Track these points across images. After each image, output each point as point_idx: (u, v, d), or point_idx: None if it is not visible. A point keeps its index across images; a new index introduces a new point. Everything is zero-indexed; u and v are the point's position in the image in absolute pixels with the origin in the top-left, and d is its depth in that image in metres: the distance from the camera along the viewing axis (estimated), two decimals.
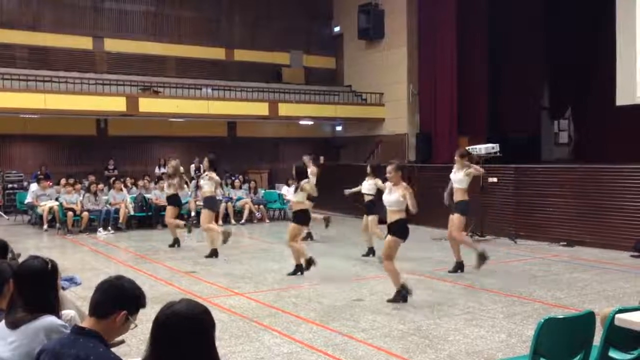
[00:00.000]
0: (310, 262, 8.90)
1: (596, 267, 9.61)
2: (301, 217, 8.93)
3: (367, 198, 10.59)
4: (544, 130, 22.22)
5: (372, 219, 10.47)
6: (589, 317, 3.82)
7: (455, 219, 8.98)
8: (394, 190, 7.19)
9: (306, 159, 12.35)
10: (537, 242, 12.03)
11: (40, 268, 3.10)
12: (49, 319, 2.98)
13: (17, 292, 3.08)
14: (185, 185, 15.81)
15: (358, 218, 16.18)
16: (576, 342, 3.76)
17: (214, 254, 10.56)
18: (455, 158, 9.15)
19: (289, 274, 8.89)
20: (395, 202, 7.13)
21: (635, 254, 10.40)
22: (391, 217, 7.21)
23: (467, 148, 13.23)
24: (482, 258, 8.85)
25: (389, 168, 7.25)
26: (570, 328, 3.77)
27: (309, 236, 12.23)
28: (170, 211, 12.03)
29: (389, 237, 7.22)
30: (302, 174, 9.01)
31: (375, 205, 10.16)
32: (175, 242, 11.86)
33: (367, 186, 10.59)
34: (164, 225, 14.53)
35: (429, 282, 8.49)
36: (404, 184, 7.24)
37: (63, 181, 15.81)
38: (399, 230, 7.15)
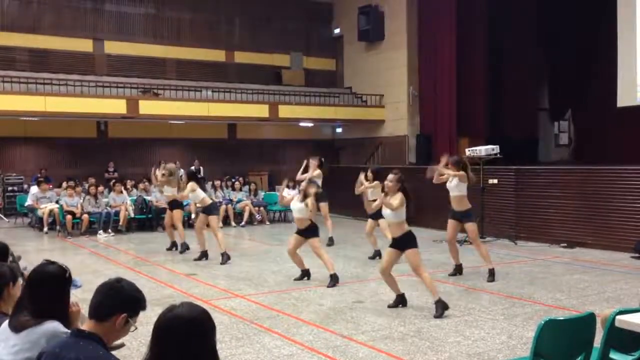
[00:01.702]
0: (305, 274, 8.88)
1: (597, 268, 9.61)
2: (314, 230, 8.71)
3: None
4: (544, 132, 22.23)
5: (383, 221, 10.29)
6: (590, 318, 3.82)
7: (471, 228, 8.80)
8: (392, 199, 6.88)
9: (313, 162, 12.26)
10: (537, 244, 12.02)
11: (57, 274, 3.08)
12: (52, 325, 2.95)
13: (28, 295, 3.06)
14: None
15: (357, 219, 16.19)
16: (577, 344, 3.76)
17: (203, 255, 10.66)
18: (449, 166, 9.01)
19: (328, 286, 8.36)
20: (395, 214, 6.89)
21: (636, 255, 10.40)
22: (395, 232, 6.97)
23: (467, 150, 13.26)
24: (493, 275, 8.69)
25: (391, 176, 6.97)
26: (570, 330, 3.77)
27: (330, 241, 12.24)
28: (177, 214, 11.77)
29: (411, 250, 6.87)
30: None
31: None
32: (173, 245, 11.78)
33: (373, 192, 10.08)
34: (164, 228, 14.54)
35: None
36: (399, 193, 6.91)
37: (64, 184, 15.81)
38: (411, 241, 6.93)
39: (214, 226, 10.54)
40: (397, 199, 6.85)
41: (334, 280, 8.44)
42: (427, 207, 12.74)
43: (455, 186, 8.88)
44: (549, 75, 21.92)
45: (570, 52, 19.85)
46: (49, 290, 3.02)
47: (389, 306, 7.14)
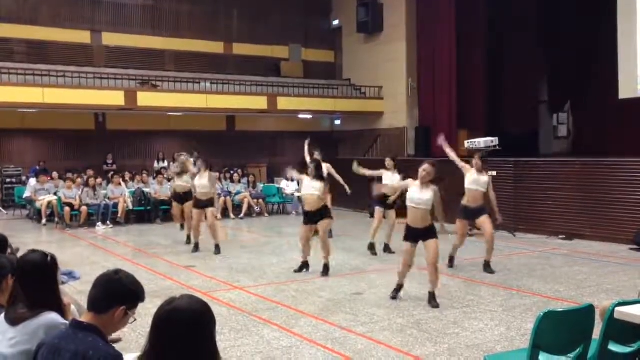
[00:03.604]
0: (305, 266, 8.85)
1: (595, 260, 9.62)
2: (329, 211, 8.71)
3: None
4: (543, 124, 22.19)
5: (392, 212, 10.21)
6: (589, 310, 3.82)
7: (489, 222, 8.70)
8: (424, 190, 6.85)
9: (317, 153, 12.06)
10: (536, 236, 12.04)
11: (40, 261, 3.09)
12: (50, 317, 2.95)
13: (18, 286, 3.07)
14: None
15: (358, 212, 16.19)
16: (575, 336, 3.76)
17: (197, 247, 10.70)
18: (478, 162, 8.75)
19: (323, 275, 8.53)
20: (427, 202, 6.85)
21: (635, 247, 10.42)
22: (424, 222, 6.89)
23: (466, 142, 13.25)
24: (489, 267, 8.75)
25: (428, 167, 6.84)
26: (569, 321, 3.77)
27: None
28: (189, 207, 11.46)
29: (435, 241, 6.88)
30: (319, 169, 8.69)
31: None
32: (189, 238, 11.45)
33: (396, 180, 9.80)
34: (163, 220, 14.57)
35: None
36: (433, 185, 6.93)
37: (55, 174, 15.73)
38: (434, 231, 6.94)
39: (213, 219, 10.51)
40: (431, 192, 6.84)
41: (326, 271, 8.56)
42: None
43: (483, 183, 8.70)
44: (549, 67, 21.84)
45: (569, 45, 19.78)
46: (35, 278, 3.03)
47: (393, 297, 7.13)
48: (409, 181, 7.10)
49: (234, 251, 10.71)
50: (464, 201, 8.84)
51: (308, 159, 10.82)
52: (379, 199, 10.08)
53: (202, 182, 10.59)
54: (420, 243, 6.98)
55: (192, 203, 11.24)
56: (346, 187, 11.62)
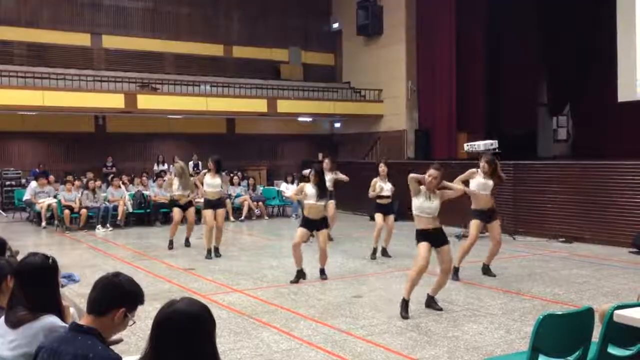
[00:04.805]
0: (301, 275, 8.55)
1: (595, 263, 9.62)
2: (326, 220, 8.63)
3: (385, 201, 10.15)
4: (542, 127, 22.23)
5: (391, 217, 10.24)
6: (588, 313, 3.82)
7: (499, 224, 8.55)
8: (432, 197, 6.58)
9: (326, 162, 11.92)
10: (535, 239, 12.04)
11: (41, 264, 3.09)
12: (49, 320, 2.95)
13: (18, 289, 3.06)
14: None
15: (357, 215, 16.20)
16: (575, 339, 3.76)
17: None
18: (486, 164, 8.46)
19: (324, 278, 8.48)
20: (437, 209, 6.61)
21: (634, 250, 10.42)
22: (436, 224, 6.66)
23: (465, 144, 13.25)
24: (489, 270, 8.72)
25: (434, 172, 6.55)
26: (569, 324, 3.77)
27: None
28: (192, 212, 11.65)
29: (449, 246, 6.74)
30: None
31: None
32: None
33: (389, 187, 10.10)
34: (163, 223, 14.57)
35: (428, 279, 8.46)
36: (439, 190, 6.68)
37: (52, 178, 15.69)
38: (445, 235, 6.79)
39: (211, 220, 10.47)
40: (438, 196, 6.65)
41: (324, 275, 8.52)
42: None
43: (489, 185, 8.54)
44: (549, 68, 21.87)
45: (569, 48, 19.81)
46: (36, 281, 3.03)
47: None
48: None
49: (234, 254, 10.70)
50: (474, 205, 8.50)
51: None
52: (380, 205, 10.16)
53: (215, 181, 10.38)
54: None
55: (194, 210, 11.45)
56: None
